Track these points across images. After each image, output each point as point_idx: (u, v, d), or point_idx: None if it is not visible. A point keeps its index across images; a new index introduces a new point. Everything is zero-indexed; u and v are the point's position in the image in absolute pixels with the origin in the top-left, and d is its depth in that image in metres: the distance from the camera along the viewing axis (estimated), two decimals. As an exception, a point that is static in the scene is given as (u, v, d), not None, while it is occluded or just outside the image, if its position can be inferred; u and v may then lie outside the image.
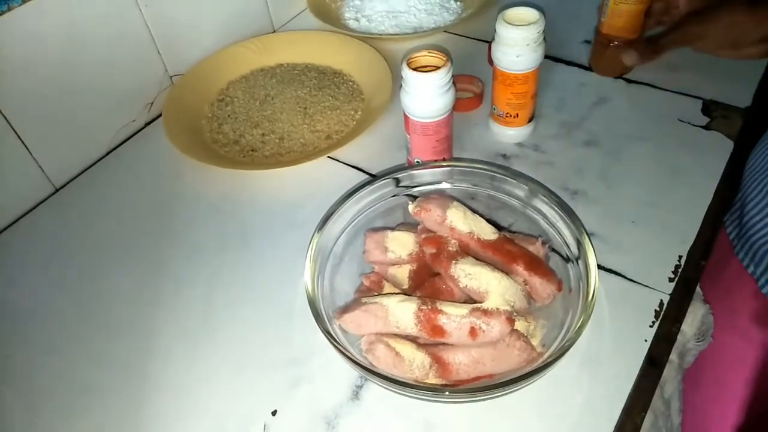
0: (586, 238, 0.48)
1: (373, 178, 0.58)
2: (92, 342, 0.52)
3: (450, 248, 0.49)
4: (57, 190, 0.67)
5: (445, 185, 0.56)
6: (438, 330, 0.45)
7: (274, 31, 0.88)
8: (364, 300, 0.47)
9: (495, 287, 0.46)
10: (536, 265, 0.49)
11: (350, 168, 0.66)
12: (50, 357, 0.52)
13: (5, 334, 0.54)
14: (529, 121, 0.65)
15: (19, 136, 0.61)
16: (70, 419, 0.47)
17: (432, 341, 0.46)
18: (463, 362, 0.45)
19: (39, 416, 0.48)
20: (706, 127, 0.65)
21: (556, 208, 0.51)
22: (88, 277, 0.58)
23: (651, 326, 0.49)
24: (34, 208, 0.65)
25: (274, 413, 0.46)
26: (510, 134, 0.66)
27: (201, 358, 0.50)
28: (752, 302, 0.63)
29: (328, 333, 0.44)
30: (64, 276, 0.58)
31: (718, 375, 0.67)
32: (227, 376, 0.49)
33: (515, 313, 0.46)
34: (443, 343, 0.46)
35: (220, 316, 0.53)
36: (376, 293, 0.51)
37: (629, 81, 0.72)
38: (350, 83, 0.77)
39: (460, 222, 0.50)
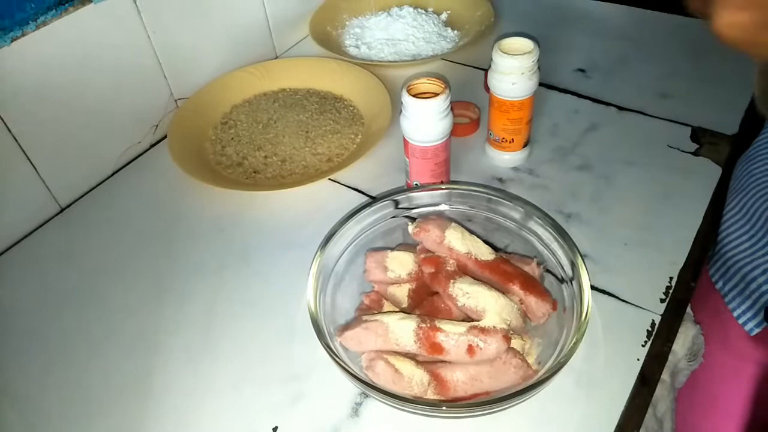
0: (580, 259, 0.49)
1: (373, 200, 0.60)
2: (94, 359, 0.53)
3: (448, 268, 0.51)
4: (63, 210, 0.68)
5: (443, 207, 0.57)
6: (437, 347, 0.46)
7: (277, 57, 0.91)
8: (364, 318, 0.48)
9: (492, 306, 0.47)
10: (532, 285, 0.50)
11: (350, 190, 0.67)
12: (52, 374, 0.52)
13: (8, 351, 0.54)
14: (525, 146, 0.67)
15: (27, 156, 0.63)
16: (73, 435, 0.48)
17: (431, 359, 0.47)
18: (460, 379, 0.46)
19: (42, 432, 0.49)
20: (695, 154, 0.67)
21: (550, 230, 0.52)
22: (91, 294, 0.58)
23: (643, 346, 0.50)
24: (40, 226, 0.66)
25: (275, 429, 0.47)
26: (506, 159, 0.68)
27: (203, 375, 0.51)
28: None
29: (329, 348, 0.45)
30: (68, 293, 0.59)
31: (712, 392, 0.68)
32: (229, 393, 0.50)
33: (512, 332, 0.47)
34: (442, 361, 0.47)
35: (222, 334, 0.54)
36: (376, 311, 0.52)
37: (620, 108, 0.74)
38: (351, 108, 0.79)
39: (458, 243, 0.51)
